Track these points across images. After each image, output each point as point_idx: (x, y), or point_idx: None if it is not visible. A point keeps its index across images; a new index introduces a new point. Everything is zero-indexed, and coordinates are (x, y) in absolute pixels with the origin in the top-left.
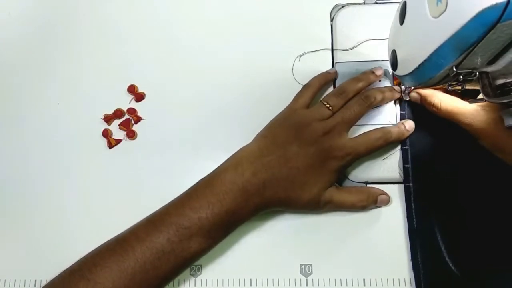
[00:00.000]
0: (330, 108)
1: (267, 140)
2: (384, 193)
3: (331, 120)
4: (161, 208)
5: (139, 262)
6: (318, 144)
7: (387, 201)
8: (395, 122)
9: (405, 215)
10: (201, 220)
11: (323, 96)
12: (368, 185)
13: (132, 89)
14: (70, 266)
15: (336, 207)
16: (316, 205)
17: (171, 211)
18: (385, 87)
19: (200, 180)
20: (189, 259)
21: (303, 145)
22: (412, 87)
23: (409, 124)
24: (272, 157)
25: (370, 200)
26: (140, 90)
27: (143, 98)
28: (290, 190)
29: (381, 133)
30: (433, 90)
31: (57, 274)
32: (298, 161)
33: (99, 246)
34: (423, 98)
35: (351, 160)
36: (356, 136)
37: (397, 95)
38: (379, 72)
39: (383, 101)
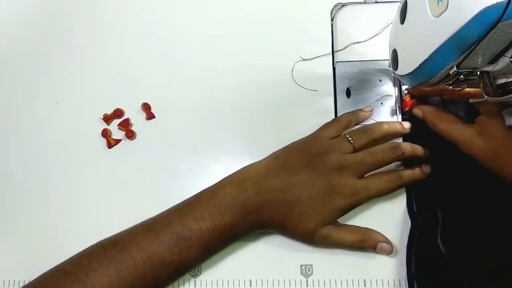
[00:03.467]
0: (352, 142)
1: (277, 162)
2: (387, 241)
3: (350, 157)
4: (162, 214)
5: (139, 271)
6: (327, 178)
7: (388, 251)
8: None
9: (406, 211)
10: (201, 231)
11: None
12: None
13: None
14: (63, 266)
15: (331, 245)
16: (310, 239)
17: (174, 220)
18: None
19: (204, 190)
20: (186, 269)
21: (311, 174)
22: (413, 86)
23: (426, 168)
24: (276, 180)
25: (369, 243)
26: (139, 90)
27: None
28: (286, 217)
29: (394, 176)
30: (434, 109)
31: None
32: (302, 190)
33: (94, 247)
34: (424, 116)
35: (359, 200)
36: (367, 176)
37: (420, 154)
38: (407, 125)
39: (411, 156)
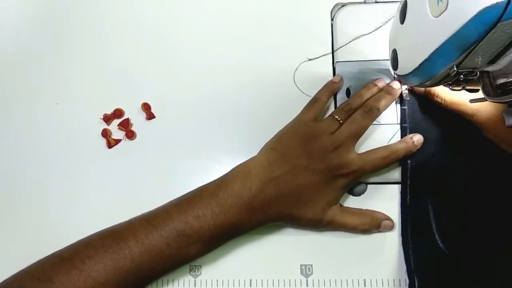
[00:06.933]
0: (341, 121)
1: (276, 153)
2: (388, 218)
3: (339, 134)
4: (161, 208)
5: (135, 263)
6: (327, 161)
7: (390, 227)
8: (395, 121)
9: (400, 194)
10: (202, 230)
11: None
12: (370, 190)
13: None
14: (60, 253)
15: (337, 227)
16: (317, 224)
17: (174, 216)
18: (384, 90)
19: (205, 185)
20: (184, 263)
21: (312, 160)
22: (412, 86)
23: (417, 138)
24: (280, 173)
25: (372, 224)
26: (139, 90)
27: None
28: (294, 208)
29: (387, 152)
30: None
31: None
32: (306, 178)
33: (92, 237)
34: (427, 90)
35: (356, 177)
36: (363, 153)
37: (398, 93)
38: (381, 84)
39: (386, 107)
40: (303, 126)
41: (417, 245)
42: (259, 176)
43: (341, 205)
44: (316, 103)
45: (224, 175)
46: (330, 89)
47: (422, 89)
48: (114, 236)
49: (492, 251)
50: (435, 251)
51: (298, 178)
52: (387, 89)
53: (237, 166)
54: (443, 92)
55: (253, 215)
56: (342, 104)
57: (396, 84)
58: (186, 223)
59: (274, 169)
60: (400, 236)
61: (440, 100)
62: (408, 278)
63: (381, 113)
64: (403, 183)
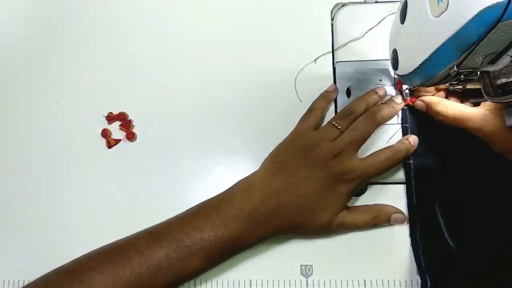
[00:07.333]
0: (339, 127)
1: (275, 166)
2: (398, 211)
3: (339, 141)
4: (166, 221)
5: (134, 273)
6: (328, 169)
7: (402, 220)
8: (396, 122)
9: (406, 195)
10: (203, 241)
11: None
12: (375, 188)
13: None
14: (66, 265)
15: (348, 229)
16: (327, 230)
17: (175, 227)
18: (386, 103)
19: (209, 199)
20: (185, 278)
21: (312, 169)
22: (413, 87)
23: (412, 139)
24: (280, 185)
25: (382, 218)
26: (139, 88)
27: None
28: (299, 218)
29: (390, 153)
30: (439, 97)
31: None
32: (307, 187)
33: (97, 249)
34: (428, 107)
35: (361, 182)
36: (365, 157)
37: (400, 107)
38: (381, 92)
39: (390, 118)
40: (300, 136)
41: (427, 245)
42: (259, 189)
43: (347, 207)
44: (311, 113)
45: (228, 189)
46: (325, 99)
47: (424, 107)
48: (117, 247)
49: (503, 250)
50: (445, 250)
51: (299, 188)
52: (389, 103)
53: (239, 181)
54: (445, 110)
55: (254, 227)
56: (343, 110)
57: (398, 99)
58: (186, 234)
59: (273, 182)
60: (401, 236)
61: (442, 118)
62: (420, 279)
63: (384, 122)
64: (408, 183)
